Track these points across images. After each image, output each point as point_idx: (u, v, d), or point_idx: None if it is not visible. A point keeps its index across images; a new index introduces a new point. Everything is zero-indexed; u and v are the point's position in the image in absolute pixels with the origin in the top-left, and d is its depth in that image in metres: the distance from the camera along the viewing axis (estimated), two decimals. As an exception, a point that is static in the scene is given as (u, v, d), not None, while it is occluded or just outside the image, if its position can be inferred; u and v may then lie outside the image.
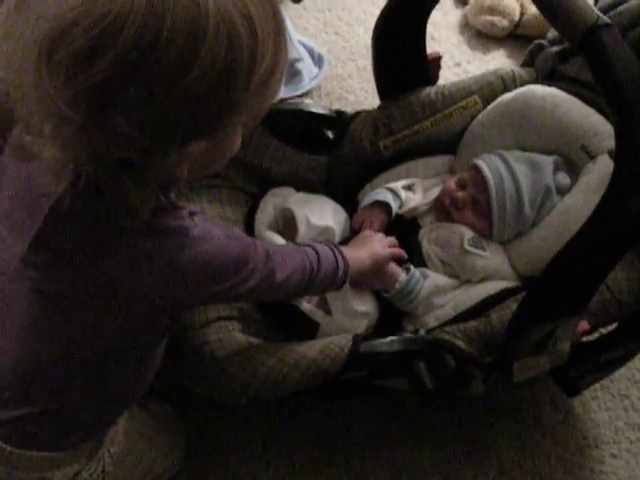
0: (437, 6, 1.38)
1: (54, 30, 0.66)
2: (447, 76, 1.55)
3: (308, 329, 1.27)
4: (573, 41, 0.95)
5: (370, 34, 2.25)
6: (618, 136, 0.93)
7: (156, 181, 0.79)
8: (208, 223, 0.92)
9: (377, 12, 2.29)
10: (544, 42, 1.50)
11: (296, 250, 1.12)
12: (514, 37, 2.32)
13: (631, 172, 0.92)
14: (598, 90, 0.95)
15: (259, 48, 0.73)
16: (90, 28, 0.65)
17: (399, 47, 1.43)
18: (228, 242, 0.93)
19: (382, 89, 1.52)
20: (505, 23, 2.28)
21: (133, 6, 0.65)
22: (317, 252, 1.12)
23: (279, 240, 1.34)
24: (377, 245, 1.30)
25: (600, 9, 1.31)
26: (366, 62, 2.17)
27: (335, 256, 1.16)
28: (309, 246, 1.14)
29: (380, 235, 1.34)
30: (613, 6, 1.39)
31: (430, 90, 1.50)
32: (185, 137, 0.74)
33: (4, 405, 0.95)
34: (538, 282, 1.02)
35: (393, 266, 1.34)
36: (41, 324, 0.90)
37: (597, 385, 1.48)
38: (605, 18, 0.92)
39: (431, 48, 1.48)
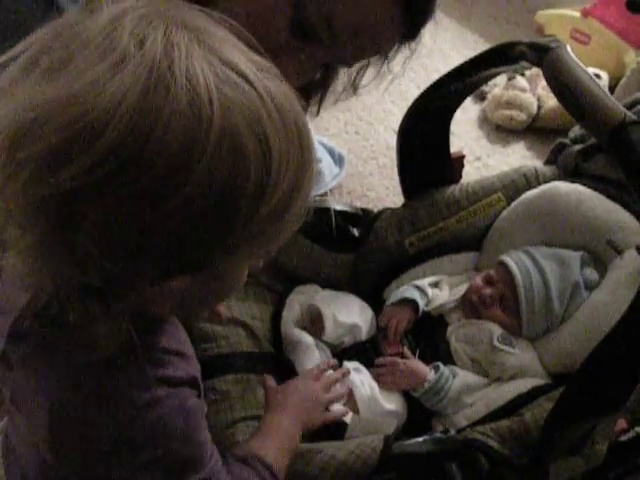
0: (456, 103, 1.41)
1: (22, 123, 0.56)
2: (468, 170, 1.57)
3: (336, 429, 1.24)
4: (601, 138, 0.96)
5: (390, 132, 2.32)
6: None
7: (129, 313, 0.66)
8: (175, 405, 0.75)
9: (396, 110, 2.39)
10: (566, 141, 1.52)
11: None
12: (533, 130, 2.37)
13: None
14: (629, 186, 0.95)
15: (272, 178, 0.61)
16: (64, 127, 0.55)
17: (424, 146, 1.45)
18: (180, 440, 0.77)
19: (406, 187, 1.53)
20: (523, 117, 2.32)
21: (120, 108, 0.55)
22: None
23: (307, 338, 1.34)
24: (313, 410, 1.15)
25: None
26: (386, 160, 2.21)
27: None
28: None
29: (316, 387, 1.19)
30: (632, 105, 1.41)
31: (454, 188, 1.52)
32: (166, 271, 0.63)
33: None
34: (576, 379, 1.00)
35: (420, 365, 1.32)
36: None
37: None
38: (632, 115, 0.93)
39: (452, 143, 1.50)
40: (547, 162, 1.58)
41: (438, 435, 1.17)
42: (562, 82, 1.01)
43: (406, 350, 1.37)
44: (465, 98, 1.42)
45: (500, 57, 1.20)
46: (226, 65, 0.61)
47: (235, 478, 0.90)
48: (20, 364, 0.76)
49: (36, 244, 0.59)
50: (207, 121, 0.57)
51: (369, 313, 1.45)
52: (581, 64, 1.02)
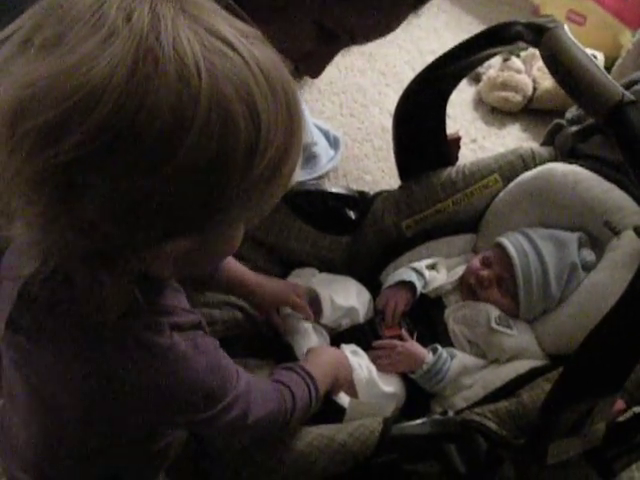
0: (451, 84, 1.40)
1: (20, 99, 0.59)
2: (464, 152, 1.56)
3: (334, 413, 1.24)
4: (598, 118, 0.96)
5: (385, 114, 2.32)
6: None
7: (133, 276, 0.69)
8: (190, 345, 0.80)
9: (391, 93, 2.38)
10: (563, 122, 1.51)
11: (274, 391, 0.99)
12: (528, 111, 2.37)
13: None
14: (625, 165, 0.95)
15: (261, 140, 0.64)
16: (60, 101, 0.58)
17: (420, 128, 1.44)
18: (206, 374, 0.83)
19: (403, 169, 1.53)
20: (518, 98, 2.32)
21: (112, 81, 0.57)
22: (293, 395, 1.01)
23: (304, 321, 1.33)
24: (343, 367, 1.23)
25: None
26: (382, 142, 2.21)
27: (310, 392, 1.05)
28: (285, 385, 1.01)
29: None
30: (629, 85, 1.40)
31: (451, 170, 1.51)
32: (165, 234, 0.66)
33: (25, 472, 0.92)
34: (574, 360, 1.01)
35: (418, 347, 1.32)
36: (33, 408, 0.85)
37: (633, 466, 1.43)
38: (630, 95, 0.93)
39: (447, 126, 1.49)
40: (544, 143, 1.57)
41: (437, 417, 1.17)
42: (560, 62, 1.01)
43: (404, 332, 1.37)
44: (461, 80, 1.41)
45: (497, 38, 1.20)
46: (211, 33, 0.62)
47: (275, 377, 1.02)
48: (31, 328, 0.78)
49: (41, 214, 0.62)
50: (196, 90, 0.60)
51: (366, 296, 1.45)
52: (579, 44, 1.02)
